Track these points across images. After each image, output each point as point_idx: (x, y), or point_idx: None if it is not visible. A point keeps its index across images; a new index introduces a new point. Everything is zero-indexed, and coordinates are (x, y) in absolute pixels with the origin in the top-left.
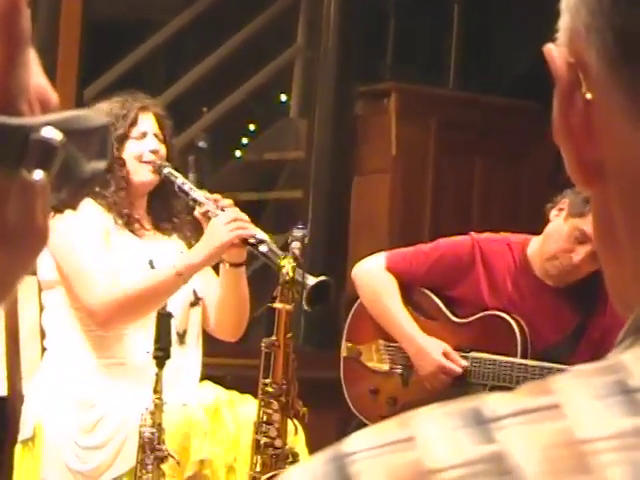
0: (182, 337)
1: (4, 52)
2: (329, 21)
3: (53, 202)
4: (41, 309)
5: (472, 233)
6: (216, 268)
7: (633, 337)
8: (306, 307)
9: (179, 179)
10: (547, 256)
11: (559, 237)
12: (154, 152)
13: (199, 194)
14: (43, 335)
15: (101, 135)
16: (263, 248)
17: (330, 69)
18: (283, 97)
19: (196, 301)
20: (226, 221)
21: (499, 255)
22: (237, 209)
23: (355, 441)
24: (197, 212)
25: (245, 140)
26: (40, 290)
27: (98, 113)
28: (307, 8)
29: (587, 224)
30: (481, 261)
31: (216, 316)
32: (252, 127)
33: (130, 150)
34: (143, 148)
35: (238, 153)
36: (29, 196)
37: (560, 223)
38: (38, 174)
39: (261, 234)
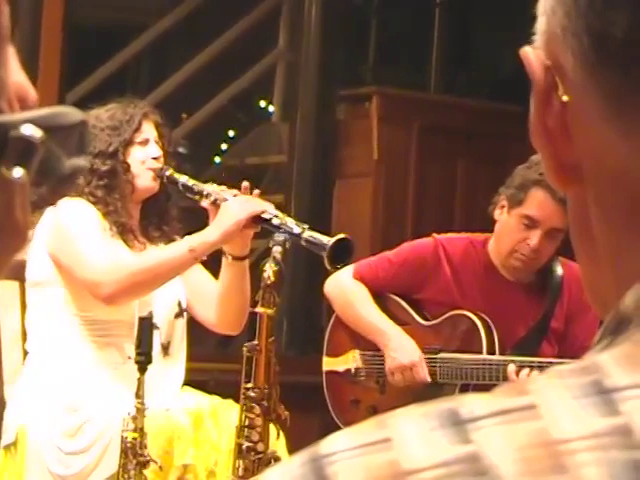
0: (166, 349)
1: None
2: (310, 25)
3: (33, 198)
4: (23, 312)
5: (434, 234)
6: (217, 263)
7: (610, 338)
8: (329, 267)
9: (182, 178)
10: (506, 252)
11: (510, 230)
12: (156, 159)
13: (205, 186)
14: (25, 339)
15: (79, 131)
16: (277, 221)
17: (312, 73)
18: (265, 102)
19: (180, 312)
20: (239, 200)
21: (463, 253)
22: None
23: (332, 442)
24: (205, 203)
25: (226, 145)
26: (22, 294)
27: (97, 120)
28: (288, 12)
29: (528, 208)
30: (446, 260)
31: (218, 311)
32: (233, 132)
33: (135, 155)
34: (146, 154)
35: (219, 159)
36: (8, 193)
37: (506, 218)
38: (18, 172)
39: (273, 210)
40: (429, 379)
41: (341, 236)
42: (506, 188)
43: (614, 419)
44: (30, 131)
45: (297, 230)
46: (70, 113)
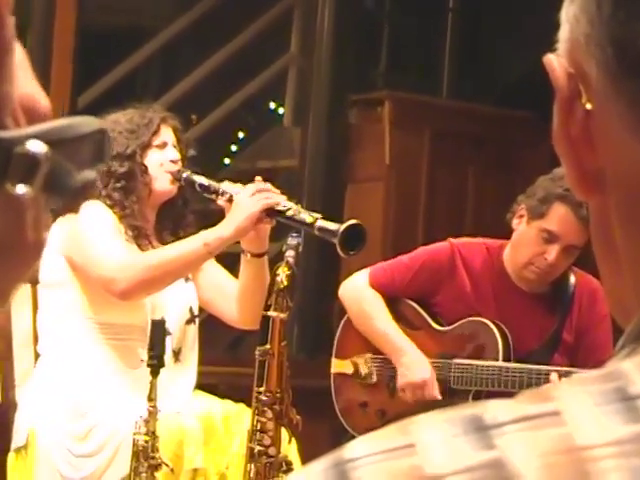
0: (177, 355)
1: None
2: (323, 30)
3: (49, 209)
4: (34, 315)
5: (450, 239)
6: (236, 260)
7: (632, 345)
8: (342, 254)
9: (199, 178)
10: (522, 264)
11: (528, 243)
12: (174, 162)
13: (221, 185)
14: (36, 341)
15: (96, 140)
16: (290, 212)
17: (324, 78)
18: (277, 105)
19: (192, 318)
20: (250, 193)
21: (479, 258)
22: (260, 183)
23: (356, 447)
24: (221, 201)
25: (237, 149)
26: (34, 296)
27: (115, 124)
28: (301, 17)
29: (549, 223)
30: (462, 265)
31: (240, 307)
32: (244, 136)
33: (152, 158)
34: (164, 157)
35: (229, 161)
36: (16, 209)
37: (524, 229)
38: (21, 188)
39: (286, 202)
40: (439, 397)
41: (353, 222)
42: (526, 198)
43: (638, 426)
44: (35, 147)
45: (309, 220)
46: (81, 123)
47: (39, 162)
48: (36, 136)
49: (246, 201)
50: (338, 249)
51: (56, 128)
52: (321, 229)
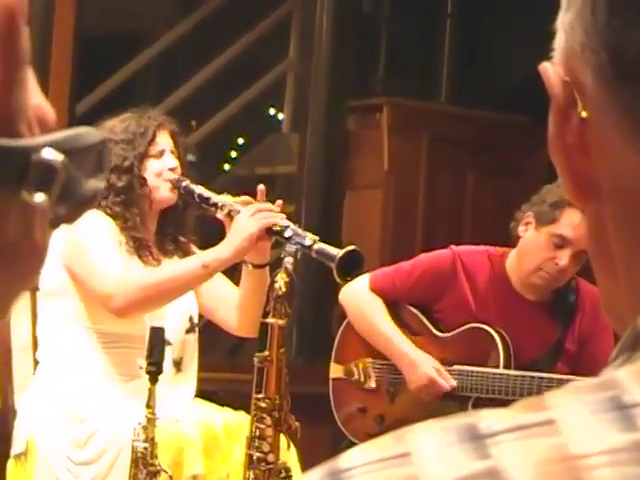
0: (178, 364)
1: (3, 72)
2: (321, 36)
3: (50, 217)
4: (34, 321)
5: (452, 246)
6: (237, 268)
7: (627, 354)
8: (338, 279)
9: (198, 188)
10: (530, 270)
11: (537, 248)
12: (173, 170)
13: (220, 197)
14: (36, 348)
15: (97, 150)
16: (288, 233)
17: (322, 84)
18: (275, 111)
19: (192, 327)
20: (250, 214)
21: (480, 266)
22: (260, 203)
23: (351, 457)
24: (220, 215)
25: (236, 155)
26: (33, 303)
27: (111, 132)
28: (299, 23)
29: (562, 228)
30: (463, 272)
31: (240, 316)
32: (243, 142)
33: (150, 168)
34: (162, 166)
35: (228, 166)
36: (28, 216)
37: (533, 235)
38: (39, 197)
39: (285, 220)
40: (454, 383)
41: (351, 248)
42: (532, 205)
43: (633, 435)
44: (51, 155)
45: (308, 242)
46: (88, 134)
47: (56, 170)
48: (51, 145)
49: (246, 222)
50: (335, 274)
51: (68, 137)
52: (319, 252)
